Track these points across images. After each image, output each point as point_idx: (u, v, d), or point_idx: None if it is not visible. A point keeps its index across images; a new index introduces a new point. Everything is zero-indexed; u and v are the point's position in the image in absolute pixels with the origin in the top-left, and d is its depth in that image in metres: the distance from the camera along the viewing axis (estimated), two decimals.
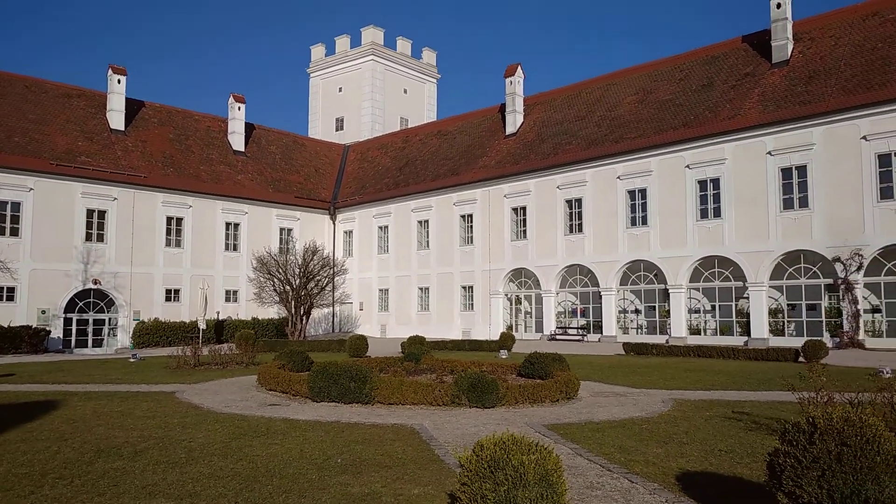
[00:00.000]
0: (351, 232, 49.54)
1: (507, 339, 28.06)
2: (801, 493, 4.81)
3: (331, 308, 47.10)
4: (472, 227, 41.97)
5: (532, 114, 43.18)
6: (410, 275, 44.99)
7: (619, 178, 35.25)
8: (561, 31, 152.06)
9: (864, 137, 27.63)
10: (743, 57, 34.76)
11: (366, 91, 62.33)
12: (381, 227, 47.53)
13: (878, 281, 27.90)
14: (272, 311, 42.15)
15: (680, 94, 35.79)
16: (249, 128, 49.40)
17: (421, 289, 44.49)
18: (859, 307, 27.68)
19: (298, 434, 9.52)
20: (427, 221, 44.47)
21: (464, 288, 42.07)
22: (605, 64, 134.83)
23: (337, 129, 63.61)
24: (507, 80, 43.31)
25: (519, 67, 43.25)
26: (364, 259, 48.24)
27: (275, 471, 7.40)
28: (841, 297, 28.12)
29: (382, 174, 50.06)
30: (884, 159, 27.25)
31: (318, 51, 66.62)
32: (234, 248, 44.06)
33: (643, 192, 34.42)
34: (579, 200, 36.94)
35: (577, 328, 37.21)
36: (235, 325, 38.93)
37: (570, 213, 37.47)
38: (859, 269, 27.54)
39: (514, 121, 42.85)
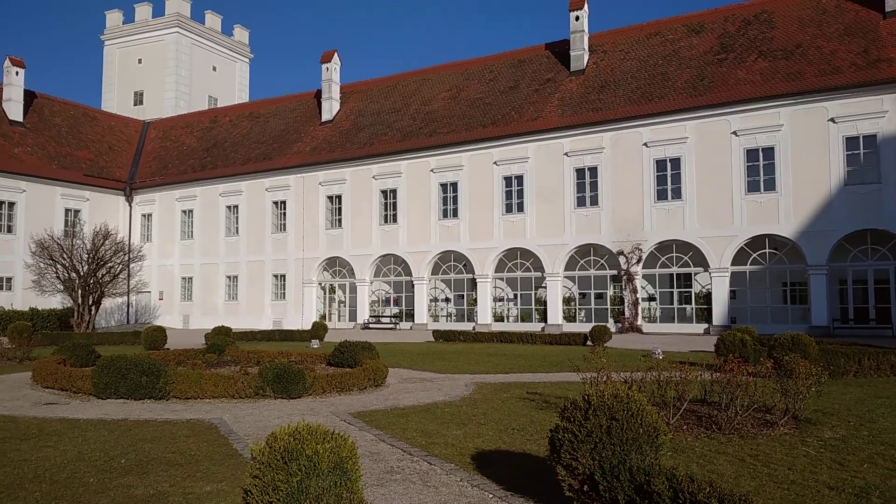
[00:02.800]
0: (150, 215, 45.97)
1: (319, 329, 27.69)
2: (576, 465, 5.24)
3: (126, 297, 43.43)
4: (285, 214, 40.84)
5: (349, 102, 42.88)
6: (218, 262, 42.80)
7: (432, 170, 36.19)
8: (378, 21, 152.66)
9: (645, 144, 30.86)
10: (546, 63, 37.22)
11: (169, 65, 58.05)
12: (184, 212, 44.64)
13: (654, 273, 31.37)
14: (55, 301, 37.93)
15: (489, 93, 37.50)
16: (30, 96, 43.93)
17: (229, 277, 42.50)
18: (638, 296, 30.95)
19: (77, 434, 8.64)
20: (237, 207, 42.54)
21: (276, 276, 40.86)
22: (421, 58, 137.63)
23: (136, 104, 58.58)
24: (324, 66, 42.60)
25: (336, 54, 42.72)
26: (165, 245, 45.04)
27: (45, 476, 6.65)
28: (623, 287, 31.24)
29: (187, 155, 47.00)
30: (660, 164, 30.64)
31: (114, 17, 60.76)
32: (9, 230, 39.02)
33: (455, 185, 35.66)
34: (394, 191, 37.39)
35: (390, 316, 37.74)
36: (9, 317, 34.49)
37: (386, 203, 37.82)
38: (639, 261, 30.76)
39: (331, 108, 42.29)
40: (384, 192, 37.79)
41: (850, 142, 27.06)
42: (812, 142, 27.59)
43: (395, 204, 37.43)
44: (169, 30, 58.14)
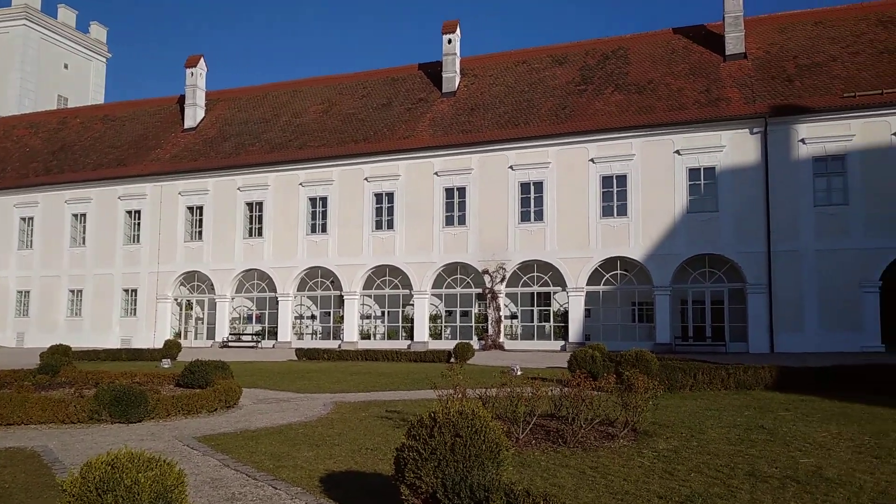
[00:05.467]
0: None
1: (171, 347, 26.14)
2: (420, 483, 5.21)
3: None
4: (139, 224, 38.39)
5: (215, 110, 41.23)
6: (60, 275, 39.42)
7: (301, 184, 35.46)
8: (248, 29, 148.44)
9: (511, 167, 31.95)
10: (419, 83, 37.74)
11: (14, 59, 53.11)
12: (23, 219, 40.84)
13: (516, 291, 32.42)
14: None
15: (362, 109, 37.42)
16: None
17: (72, 291, 39.24)
18: (501, 314, 31.82)
19: None
20: (84, 215, 39.48)
21: (126, 291, 38.20)
22: (292, 70, 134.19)
23: None
24: (189, 70, 40.74)
25: (202, 59, 41.00)
26: None
27: None
28: (488, 305, 32.01)
29: (30, 157, 43.14)
30: (525, 187, 31.81)
31: None
32: None
33: (324, 200, 35.13)
34: (261, 204, 36.24)
35: (252, 334, 36.36)
36: None
37: (251, 216, 36.56)
38: (503, 280, 31.67)
39: (195, 115, 40.45)
40: (250, 205, 36.52)
41: (693, 173, 29.43)
42: (660, 171, 29.74)
43: (260, 217, 36.25)
44: (15, 22, 53.27)
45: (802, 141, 27.89)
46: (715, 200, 29.04)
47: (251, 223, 36.52)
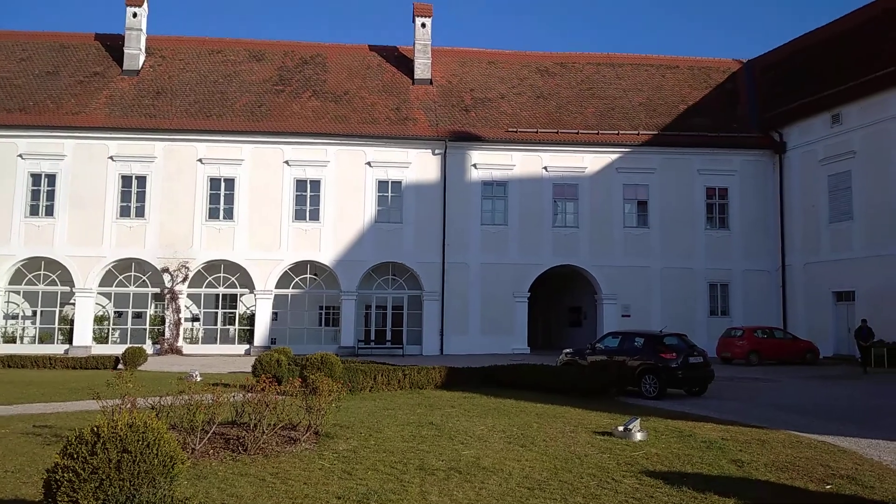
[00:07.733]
0: None
1: None
2: None
3: None
4: None
5: None
6: None
7: None
8: None
9: (201, 160, 30.15)
10: (94, 55, 33.58)
11: None
12: None
13: (199, 292, 30.63)
14: None
15: (20, 74, 31.99)
16: None
17: None
18: (181, 316, 29.75)
19: None
20: None
21: None
22: None
23: None
24: None
25: None
26: None
27: None
28: (166, 306, 29.68)
29: None
30: (215, 182, 30.23)
31: None
32: None
33: None
34: None
35: None
36: None
37: None
38: (185, 280, 29.67)
39: None
40: None
41: (382, 185, 31.00)
42: (352, 180, 30.73)
43: None
44: None
45: (475, 166, 31.28)
46: (400, 212, 30.97)
47: None
